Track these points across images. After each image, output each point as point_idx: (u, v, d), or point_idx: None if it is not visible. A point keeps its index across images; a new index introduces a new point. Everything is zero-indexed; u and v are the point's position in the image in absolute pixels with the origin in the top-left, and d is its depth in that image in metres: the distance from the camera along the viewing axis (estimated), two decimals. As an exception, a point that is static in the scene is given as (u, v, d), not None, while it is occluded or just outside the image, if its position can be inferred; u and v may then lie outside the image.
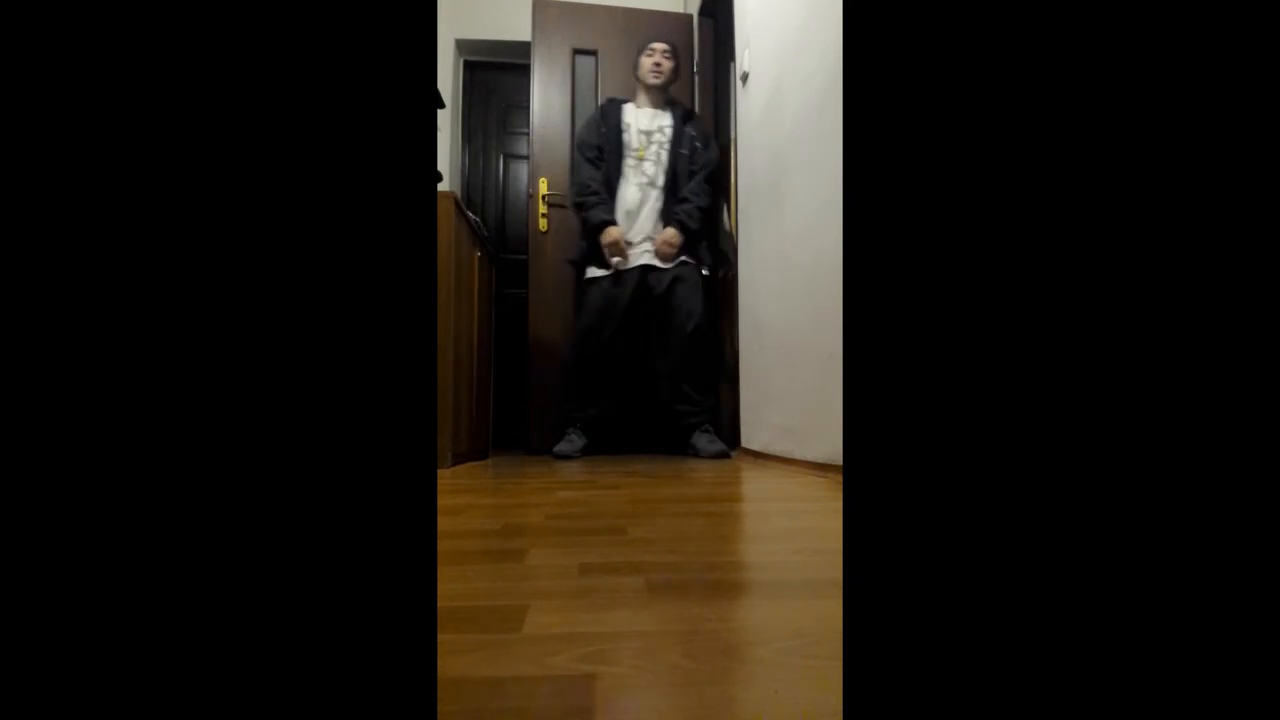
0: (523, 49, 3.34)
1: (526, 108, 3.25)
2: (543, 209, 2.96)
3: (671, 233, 2.55)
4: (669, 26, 3.08)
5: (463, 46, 3.51)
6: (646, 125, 2.70)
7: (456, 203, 2.06)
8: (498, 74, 3.63)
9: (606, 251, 2.56)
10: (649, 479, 1.66)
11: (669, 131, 2.68)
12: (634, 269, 2.57)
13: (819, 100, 1.69)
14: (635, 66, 2.74)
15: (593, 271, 2.62)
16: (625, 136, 2.68)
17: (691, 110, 2.89)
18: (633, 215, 2.61)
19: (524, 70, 3.35)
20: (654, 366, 2.63)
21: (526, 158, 3.45)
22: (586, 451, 2.59)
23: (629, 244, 2.58)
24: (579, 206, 2.69)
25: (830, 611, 0.55)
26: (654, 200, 2.64)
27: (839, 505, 1.15)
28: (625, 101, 2.76)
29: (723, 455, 2.37)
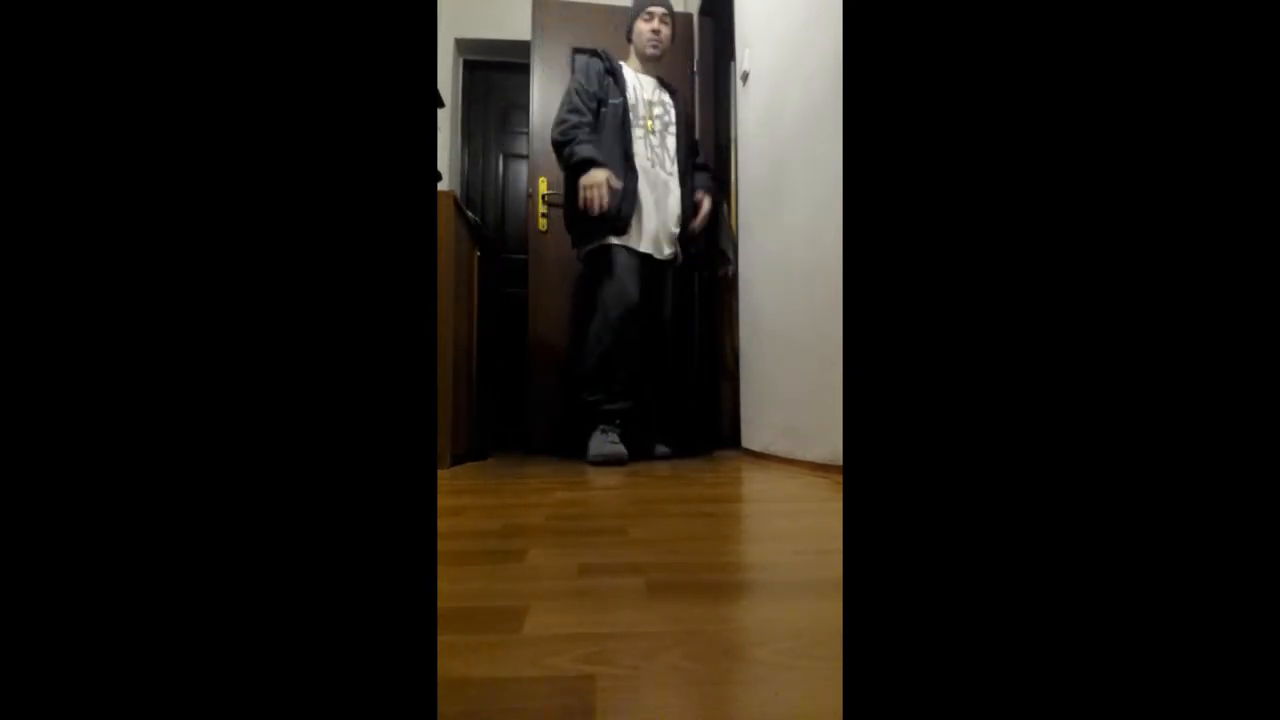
0: (522, 48, 3.33)
1: (526, 107, 3.25)
2: (542, 209, 2.96)
3: (709, 202, 2.28)
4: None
5: (462, 46, 3.51)
6: (649, 97, 2.33)
7: (456, 202, 2.06)
8: (497, 73, 3.63)
9: (585, 197, 2.06)
10: (649, 479, 1.66)
11: (671, 113, 2.34)
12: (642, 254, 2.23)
13: (819, 100, 1.69)
14: (629, 31, 2.36)
15: (613, 239, 2.15)
16: (632, 100, 2.26)
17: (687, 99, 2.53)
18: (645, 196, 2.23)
19: (524, 70, 3.35)
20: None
21: (526, 157, 3.45)
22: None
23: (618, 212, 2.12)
24: (561, 145, 2.15)
25: (830, 612, 0.55)
26: (667, 182, 2.26)
27: (839, 506, 1.15)
28: (622, 61, 2.35)
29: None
